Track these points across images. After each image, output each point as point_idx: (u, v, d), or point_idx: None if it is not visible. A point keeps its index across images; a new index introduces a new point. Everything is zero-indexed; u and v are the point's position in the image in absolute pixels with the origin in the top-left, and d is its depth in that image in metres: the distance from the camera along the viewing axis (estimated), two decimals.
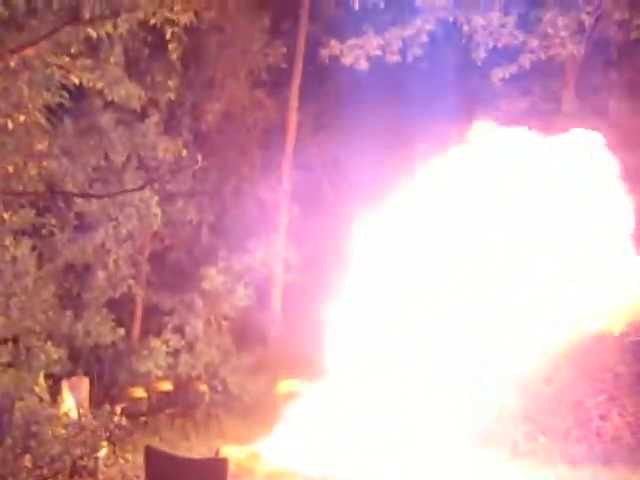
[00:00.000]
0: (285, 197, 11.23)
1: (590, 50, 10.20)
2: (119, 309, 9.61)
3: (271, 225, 10.99)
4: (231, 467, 6.05)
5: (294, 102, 11.42)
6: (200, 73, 10.61)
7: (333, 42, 10.01)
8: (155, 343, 9.58)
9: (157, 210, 9.17)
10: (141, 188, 8.17)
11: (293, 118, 11.43)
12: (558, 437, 8.31)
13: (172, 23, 5.35)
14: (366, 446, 7.44)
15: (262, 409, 8.75)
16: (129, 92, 7.58)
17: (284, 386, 8.85)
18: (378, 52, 9.97)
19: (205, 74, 10.67)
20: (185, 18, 5.27)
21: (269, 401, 8.86)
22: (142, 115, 9.31)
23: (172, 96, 8.55)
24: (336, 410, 7.94)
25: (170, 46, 5.65)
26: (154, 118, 9.49)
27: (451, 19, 10.05)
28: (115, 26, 5.27)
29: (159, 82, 9.11)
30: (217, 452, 6.92)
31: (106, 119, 9.18)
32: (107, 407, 7.13)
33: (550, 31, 9.92)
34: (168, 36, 5.46)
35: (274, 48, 11.13)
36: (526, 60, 10.18)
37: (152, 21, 5.28)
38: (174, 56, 5.87)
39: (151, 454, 5.92)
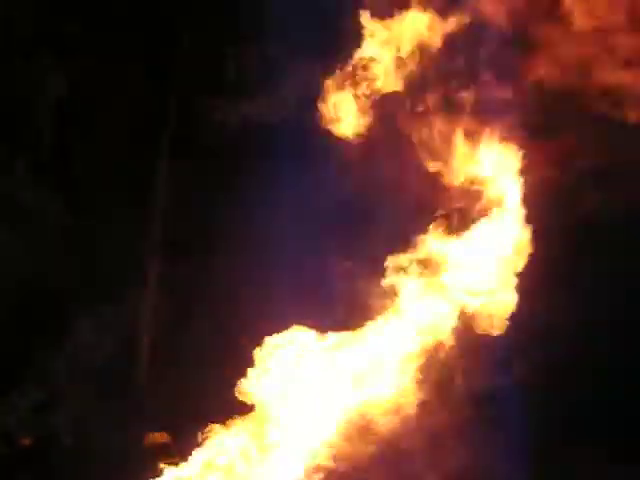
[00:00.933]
0: (154, 248, 11.26)
1: None
2: None
3: (140, 277, 10.98)
4: None
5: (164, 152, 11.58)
6: None
7: (203, 101, 10.42)
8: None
9: None
10: None
11: (163, 167, 11.59)
12: None
13: None
14: None
15: (128, 463, 8.63)
16: None
17: (152, 439, 8.79)
18: (248, 112, 10.44)
19: None
20: None
21: (134, 455, 8.76)
22: None
23: None
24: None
25: None
26: None
27: None
28: None
29: None
30: None
31: None
32: None
33: None
34: None
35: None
36: None
37: None
38: None
39: None
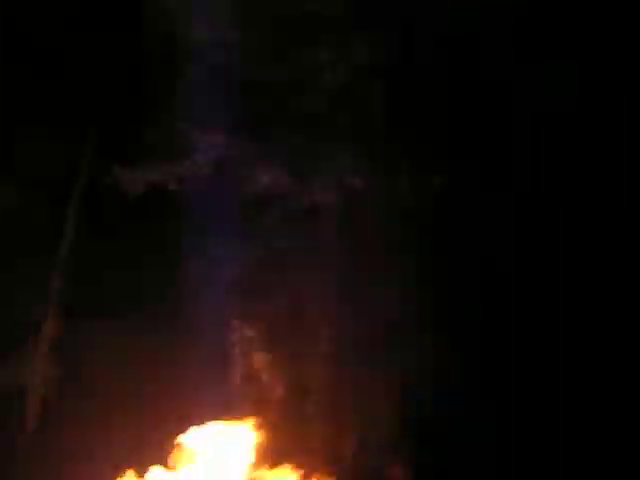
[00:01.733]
0: (53, 311, 11.11)
1: None
2: None
3: (32, 338, 10.77)
4: None
5: (72, 217, 11.54)
6: None
7: (115, 168, 10.60)
8: None
9: None
10: None
11: (69, 232, 11.52)
12: None
13: None
14: None
15: None
16: None
17: None
18: (155, 180, 10.64)
19: None
20: None
21: None
22: None
23: None
24: None
25: None
26: None
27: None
28: None
29: None
30: None
31: None
32: None
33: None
34: None
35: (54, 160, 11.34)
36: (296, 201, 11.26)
37: None
38: None
39: None
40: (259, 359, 10.46)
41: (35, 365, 10.50)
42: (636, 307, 9.49)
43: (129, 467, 8.86)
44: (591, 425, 9.26)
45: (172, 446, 8.94)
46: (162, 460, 9.35)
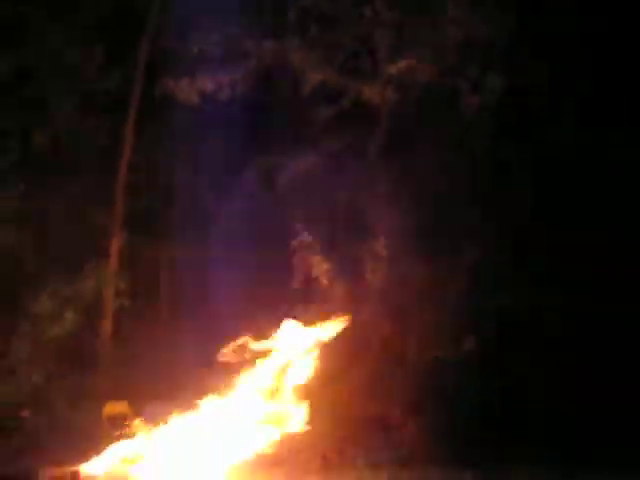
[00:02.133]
0: (117, 220, 11.45)
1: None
2: None
3: (101, 248, 11.19)
4: None
5: (130, 127, 11.67)
6: (29, 92, 10.72)
7: (167, 80, 10.60)
8: None
9: None
10: None
11: (129, 143, 11.68)
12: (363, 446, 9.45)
13: None
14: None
15: (87, 432, 8.95)
16: None
17: (110, 408, 9.08)
18: (209, 89, 10.64)
19: (35, 93, 10.76)
20: None
21: (94, 424, 9.08)
22: None
23: None
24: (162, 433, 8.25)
25: None
26: None
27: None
28: None
29: None
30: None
31: None
32: None
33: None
34: None
35: (110, 73, 11.40)
36: (348, 101, 11.12)
37: None
38: None
39: None
40: (319, 262, 10.64)
41: (107, 276, 10.94)
42: None
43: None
44: None
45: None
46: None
